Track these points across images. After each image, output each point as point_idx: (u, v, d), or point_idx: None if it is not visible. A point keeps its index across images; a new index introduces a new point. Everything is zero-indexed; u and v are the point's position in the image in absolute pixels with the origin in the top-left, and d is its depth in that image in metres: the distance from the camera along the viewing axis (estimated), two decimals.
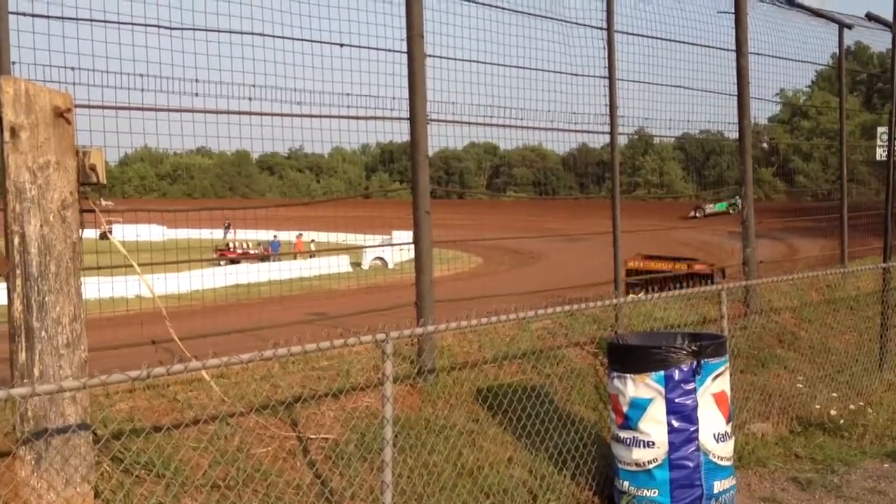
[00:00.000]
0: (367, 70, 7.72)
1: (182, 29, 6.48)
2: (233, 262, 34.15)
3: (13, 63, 5.47)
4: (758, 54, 11.89)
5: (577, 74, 9.49)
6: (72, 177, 4.96)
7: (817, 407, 8.50)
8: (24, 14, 5.73)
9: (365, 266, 39.51)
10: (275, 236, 44.08)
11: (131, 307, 7.56)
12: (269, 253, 39.01)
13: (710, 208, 52.93)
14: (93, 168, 5.15)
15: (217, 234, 40.31)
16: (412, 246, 7.60)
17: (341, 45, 7.57)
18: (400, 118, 7.69)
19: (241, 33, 6.85)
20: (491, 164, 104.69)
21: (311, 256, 33.86)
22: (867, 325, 10.59)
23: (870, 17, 14.57)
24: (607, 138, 9.72)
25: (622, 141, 9.91)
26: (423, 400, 6.95)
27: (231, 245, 42.50)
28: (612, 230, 9.42)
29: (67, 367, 4.81)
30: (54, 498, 4.69)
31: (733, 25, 11.12)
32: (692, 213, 53.91)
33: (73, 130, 5.00)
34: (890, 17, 11.03)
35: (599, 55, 9.51)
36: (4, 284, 4.82)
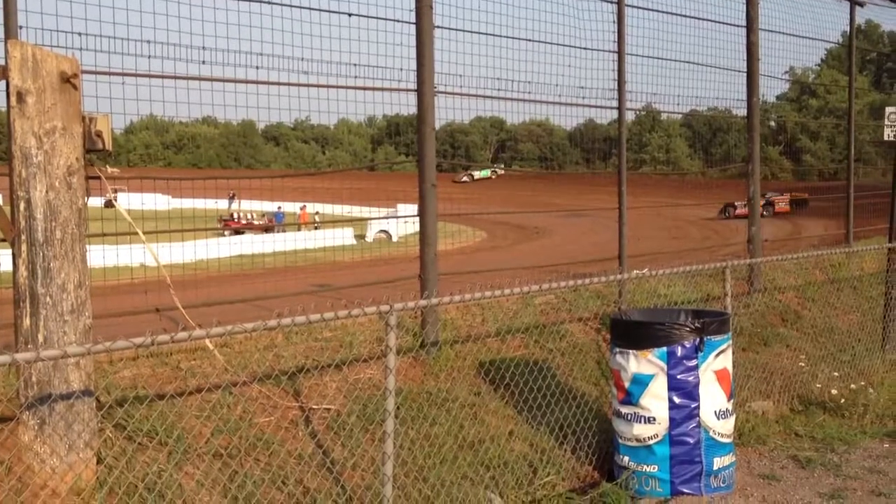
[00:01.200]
0: (376, 41, 7.68)
1: None
2: (237, 232, 34.18)
3: (20, 27, 5.44)
4: (768, 31, 11.82)
5: (586, 48, 9.44)
6: (78, 143, 4.95)
7: (818, 386, 8.51)
8: None
9: (369, 238, 39.47)
10: (279, 207, 44.02)
11: (136, 275, 7.57)
12: (273, 224, 39.01)
13: (477, 174, 59.61)
14: (99, 134, 5.14)
15: (222, 204, 40.27)
16: (417, 219, 7.60)
17: (349, 15, 7.53)
18: (407, 90, 7.66)
19: (249, 1, 6.81)
20: (497, 139, 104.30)
21: (315, 228, 33.88)
22: (870, 306, 10.58)
23: None
24: (614, 114, 9.68)
25: (629, 117, 9.86)
26: (426, 372, 6.97)
27: (235, 215, 42.49)
28: (618, 206, 9.40)
29: (72, 333, 4.83)
30: (57, 463, 4.72)
31: (745, 1, 11.03)
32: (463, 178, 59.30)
33: (79, 96, 4.98)
34: None
35: (609, 29, 9.45)
36: (9, 250, 4.83)
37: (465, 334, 7.58)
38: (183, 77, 6.61)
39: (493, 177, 57.64)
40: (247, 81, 6.96)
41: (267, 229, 36.23)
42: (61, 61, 4.88)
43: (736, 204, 39.33)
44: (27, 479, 4.62)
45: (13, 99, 4.69)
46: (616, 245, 9.48)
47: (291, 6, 7.12)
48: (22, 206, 4.73)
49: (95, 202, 5.43)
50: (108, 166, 5.47)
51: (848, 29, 14.11)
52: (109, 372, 5.71)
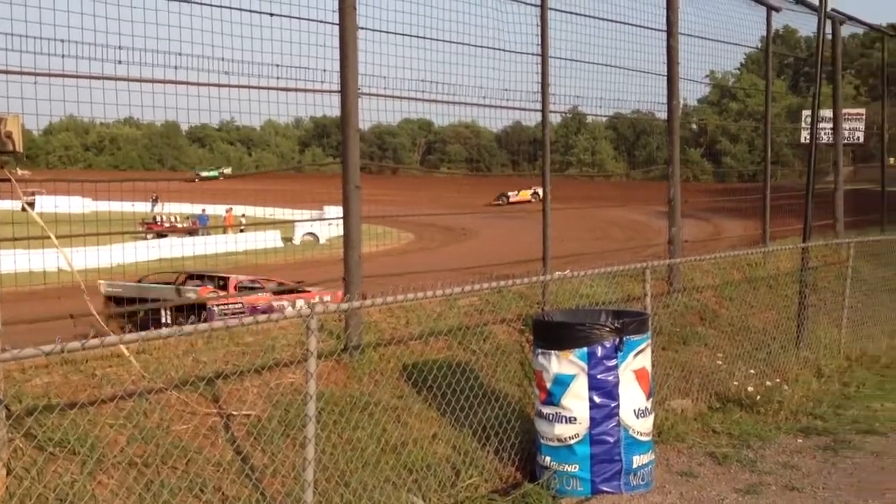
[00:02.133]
0: (299, 41, 7.59)
1: None
2: (160, 235, 33.56)
3: None
4: (688, 35, 12.04)
5: (510, 51, 9.49)
6: None
7: (735, 384, 8.71)
8: None
9: (296, 241, 39.21)
10: (203, 210, 43.43)
11: (53, 280, 7.38)
12: (197, 227, 38.43)
13: (204, 173, 56.39)
14: (9, 135, 5.00)
15: (144, 206, 39.54)
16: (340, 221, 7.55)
17: (272, 15, 7.43)
18: (331, 91, 7.60)
19: None
20: (425, 140, 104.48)
21: (241, 231, 33.50)
22: (785, 304, 10.87)
23: (797, 0, 14.83)
24: (540, 116, 9.75)
25: (555, 119, 9.97)
26: (349, 376, 6.93)
27: (158, 218, 41.75)
28: (542, 208, 9.48)
29: None
30: None
31: (664, 6, 11.23)
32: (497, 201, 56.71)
33: None
34: (816, 1, 11.22)
35: (533, 32, 9.52)
36: None
37: (388, 337, 7.56)
38: (98, 77, 6.45)
39: (221, 178, 54.39)
40: (164, 81, 6.82)
41: (191, 232, 35.67)
42: None
43: (509, 194, 54.64)
44: None
45: None
46: (541, 246, 9.56)
47: (212, 5, 7.00)
48: None
49: (5, 205, 5.28)
50: (18, 168, 5.32)
51: (765, 33, 14.46)
52: (21, 380, 5.54)
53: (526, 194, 53.66)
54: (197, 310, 13.88)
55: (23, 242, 6.54)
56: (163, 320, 11.39)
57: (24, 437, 4.91)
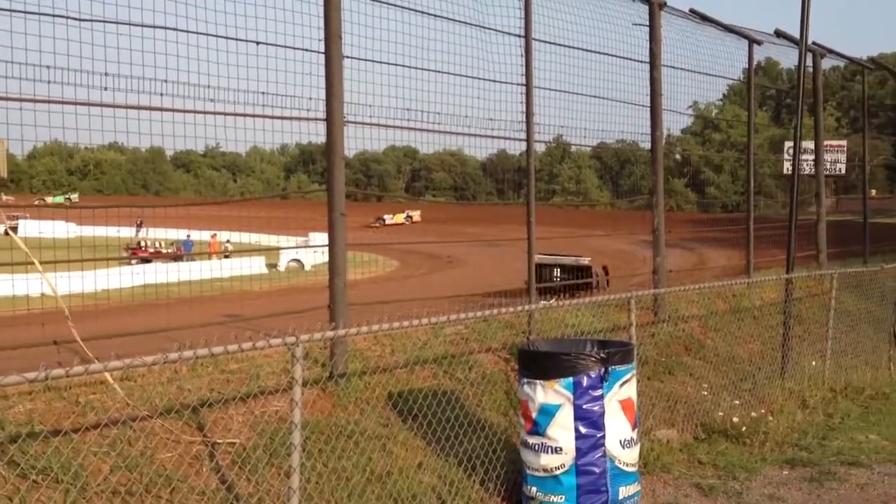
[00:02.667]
0: (284, 69, 7.63)
1: (92, 21, 6.31)
2: (144, 261, 33.40)
3: None
4: (671, 67, 12.16)
5: (494, 80, 9.55)
6: None
7: (721, 414, 8.70)
8: None
9: (281, 268, 39.09)
10: (188, 235, 43.25)
11: (33, 306, 7.33)
12: (181, 252, 38.25)
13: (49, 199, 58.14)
14: None
15: (128, 232, 39.37)
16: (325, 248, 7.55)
17: (258, 44, 7.46)
18: (317, 119, 7.63)
19: (154, 27, 6.70)
20: (410, 168, 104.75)
21: (225, 257, 33.35)
22: (770, 335, 10.90)
23: (778, 34, 15.02)
24: (524, 145, 9.80)
25: (539, 148, 10.03)
26: (334, 404, 6.90)
27: (143, 244, 41.57)
28: (528, 236, 9.50)
29: None
30: None
31: (647, 38, 11.34)
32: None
33: None
34: (797, 35, 11.36)
35: (517, 62, 9.59)
36: None
37: (374, 365, 7.53)
38: (84, 103, 6.45)
39: (68, 203, 52.47)
40: (151, 108, 6.83)
41: (175, 258, 35.51)
42: None
43: (385, 217, 61.25)
44: None
45: None
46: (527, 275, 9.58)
47: (198, 33, 7.03)
48: None
49: None
50: (2, 194, 5.29)
51: (747, 66, 14.62)
52: (3, 407, 5.48)
53: (400, 218, 63.16)
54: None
55: (6, 268, 6.51)
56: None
57: (7, 465, 4.86)
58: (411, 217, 64.09)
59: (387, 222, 61.80)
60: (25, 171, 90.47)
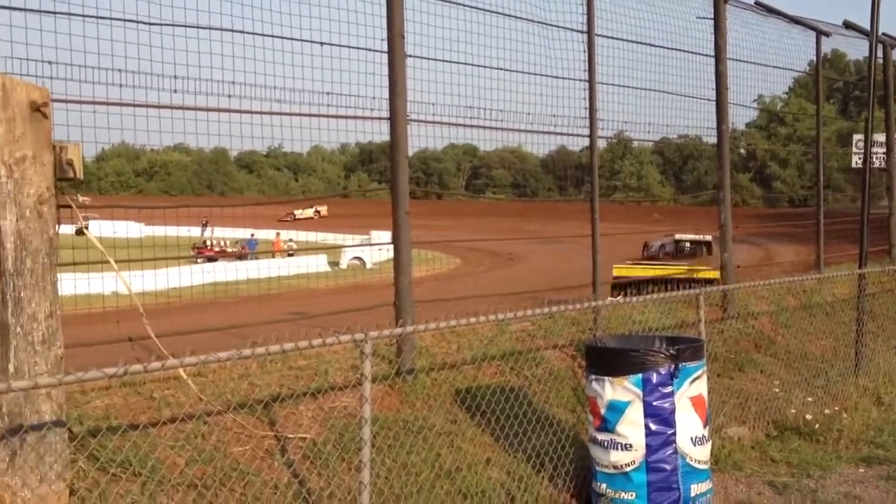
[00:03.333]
0: (348, 69, 7.69)
1: (161, 24, 6.43)
2: (210, 259, 33.98)
3: None
4: (736, 60, 11.97)
5: (557, 77, 9.51)
6: (48, 172, 4.90)
7: (793, 411, 8.55)
8: (2, 7, 5.67)
9: (343, 265, 39.41)
10: (252, 234, 43.93)
11: (108, 304, 7.49)
12: (246, 251, 38.84)
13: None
14: (70, 163, 5.09)
15: (194, 231, 40.11)
16: (390, 246, 7.59)
17: (322, 44, 7.53)
18: (380, 118, 7.67)
19: (222, 30, 6.81)
20: (470, 166, 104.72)
21: (289, 255, 33.79)
22: (843, 331, 10.66)
23: (847, 25, 14.69)
24: (586, 141, 9.74)
25: (601, 144, 9.93)
26: (402, 400, 6.93)
27: (208, 243, 42.29)
28: (591, 233, 9.44)
29: (43, 363, 4.75)
30: (29, 495, 4.63)
31: (712, 31, 11.18)
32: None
33: (49, 125, 4.93)
34: (867, 26, 11.11)
35: (579, 58, 9.53)
36: None
37: (440, 361, 7.55)
38: (154, 105, 6.58)
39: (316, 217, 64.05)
40: (219, 110, 6.94)
41: (240, 256, 36.05)
42: (31, 90, 4.83)
43: (296, 212, 65.62)
44: None
45: None
46: (590, 272, 9.51)
47: (264, 35, 7.13)
48: None
49: (66, 230, 5.38)
50: (79, 195, 5.42)
51: (815, 58, 14.33)
52: (82, 402, 5.62)
53: (309, 212, 66.52)
54: None
55: (82, 266, 6.67)
56: None
57: (87, 459, 4.98)
58: (319, 212, 67.92)
59: (297, 217, 65.99)
60: (94, 172, 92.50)
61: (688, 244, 20.65)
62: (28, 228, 4.75)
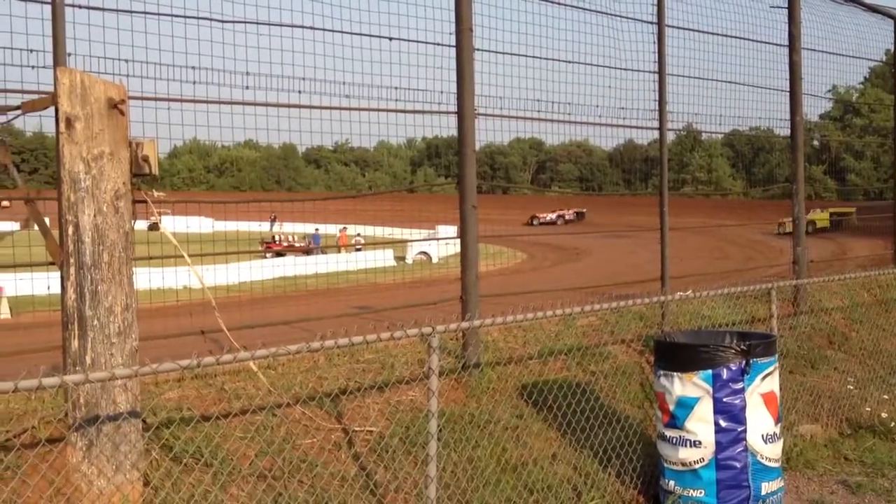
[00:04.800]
0: (416, 64, 7.72)
1: (233, 21, 6.54)
2: (278, 254, 34.46)
3: (69, 54, 5.55)
4: (811, 50, 11.71)
5: (626, 69, 9.42)
6: (125, 167, 5.03)
7: (867, 409, 8.35)
8: (80, 6, 5.82)
9: (409, 260, 39.57)
10: (316, 230, 44.35)
11: (180, 298, 7.65)
12: (312, 246, 39.27)
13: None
14: (145, 159, 5.22)
15: (263, 226, 40.69)
16: (456, 241, 7.60)
17: (390, 39, 7.58)
18: (447, 112, 7.70)
19: (292, 26, 6.89)
20: (536, 160, 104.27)
21: (357, 250, 34.06)
22: None
23: None
24: (654, 134, 9.63)
25: (670, 137, 9.81)
26: (468, 394, 6.95)
27: (277, 237, 42.86)
28: (660, 227, 9.33)
29: (119, 355, 4.88)
30: (104, 484, 4.76)
31: (786, 20, 10.96)
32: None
33: (126, 122, 5.06)
34: None
35: (649, 49, 9.42)
36: (59, 273, 4.90)
37: (506, 356, 7.55)
38: (227, 102, 6.70)
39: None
40: (289, 105, 7.03)
41: (307, 251, 36.47)
42: (109, 88, 4.96)
43: (538, 215, 59.43)
44: (75, 499, 4.67)
45: (62, 125, 4.78)
46: (657, 266, 9.41)
47: (333, 31, 7.19)
48: (70, 230, 4.81)
49: (140, 225, 5.51)
50: (154, 190, 5.55)
51: (892, 47, 13.94)
52: (155, 393, 5.76)
53: None
54: None
55: (155, 260, 6.83)
56: None
57: (161, 449, 5.11)
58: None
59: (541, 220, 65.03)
60: (167, 169, 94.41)
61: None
62: (105, 223, 4.88)
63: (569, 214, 58.24)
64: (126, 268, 4.98)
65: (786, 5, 10.91)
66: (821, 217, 34.85)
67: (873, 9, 13.04)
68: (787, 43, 11.00)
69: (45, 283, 5.91)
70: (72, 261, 4.81)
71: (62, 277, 4.87)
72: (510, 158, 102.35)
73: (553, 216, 58.55)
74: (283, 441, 5.62)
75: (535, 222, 57.86)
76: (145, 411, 5.25)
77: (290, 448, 5.57)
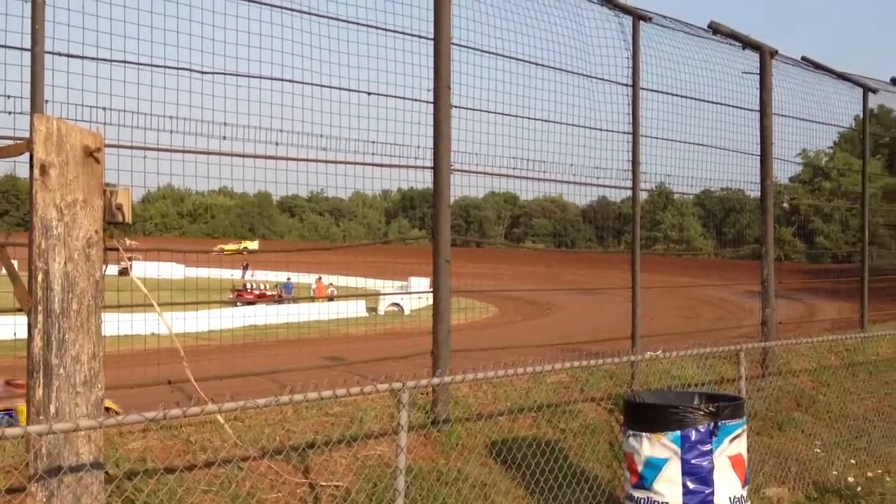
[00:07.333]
0: (393, 118, 7.78)
1: (213, 73, 6.58)
2: (249, 303, 34.22)
3: (46, 101, 5.56)
4: (782, 115, 11.94)
5: (601, 129, 9.55)
6: (98, 215, 5.00)
7: (835, 473, 8.37)
8: (60, 54, 5.84)
9: (381, 311, 39.50)
10: (288, 278, 44.18)
11: (148, 344, 7.58)
12: (283, 295, 39.08)
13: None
14: (119, 207, 5.20)
15: (236, 273, 40.48)
16: (428, 294, 7.60)
17: (368, 94, 7.65)
18: (424, 167, 7.75)
19: (271, 79, 6.95)
20: (510, 214, 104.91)
21: (330, 300, 33.93)
22: (887, 391, 10.47)
23: (895, 81, 14.62)
24: (628, 192, 9.75)
25: (643, 196, 9.93)
26: (437, 450, 6.91)
27: (249, 286, 42.60)
28: (632, 285, 9.39)
29: (84, 405, 4.81)
30: None
31: (758, 86, 11.18)
32: None
33: (101, 169, 5.04)
34: None
35: (623, 111, 9.58)
36: (26, 320, 4.84)
37: (476, 412, 7.52)
38: (204, 152, 6.71)
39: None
40: (266, 157, 7.06)
41: (279, 300, 36.29)
42: (85, 136, 4.96)
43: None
44: None
45: (36, 171, 4.75)
46: (629, 324, 9.45)
47: (312, 84, 7.25)
48: (40, 276, 4.76)
49: (111, 270, 5.47)
50: (126, 238, 5.52)
51: (861, 113, 14.25)
52: (119, 444, 5.68)
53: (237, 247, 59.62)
54: None
55: (124, 307, 6.77)
56: None
57: (123, 502, 5.02)
58: (247, 248, 61.69)
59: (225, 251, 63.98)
60: (139, 214, 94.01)
61: None
62: (76, 271, 4.84)
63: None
64: (95, 316, 4.93)
65: (758, 72, 11.14)
66: None
67: (843, 77, 13.35)
68: (758, 108, 11.21)
69: (12, 328, 5.85)
70: (40, 308, 4.75)
71: (29, 325, 4.81)
72: (485, 212, 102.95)
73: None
74: (248, 496, 5.54)
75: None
76: (108, 463, 5.17)
77: (254, 503, 5.49)
